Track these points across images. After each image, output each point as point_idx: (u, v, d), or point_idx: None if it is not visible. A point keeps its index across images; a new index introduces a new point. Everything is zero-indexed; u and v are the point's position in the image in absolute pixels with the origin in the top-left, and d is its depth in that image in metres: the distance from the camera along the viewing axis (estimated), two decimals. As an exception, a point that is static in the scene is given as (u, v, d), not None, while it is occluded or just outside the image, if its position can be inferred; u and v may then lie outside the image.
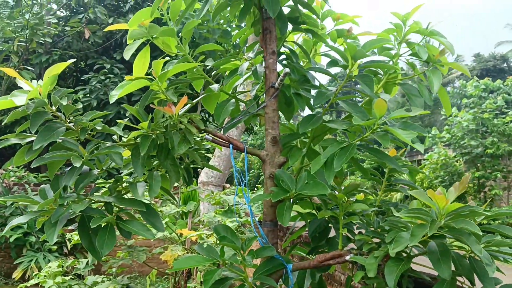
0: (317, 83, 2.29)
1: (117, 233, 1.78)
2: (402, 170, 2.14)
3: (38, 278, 3.50)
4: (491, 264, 1.44)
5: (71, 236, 3.75)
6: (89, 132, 1.85)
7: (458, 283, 1.66)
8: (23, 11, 10.83)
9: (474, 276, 1.58)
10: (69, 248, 7.18)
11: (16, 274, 7.10)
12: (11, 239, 7.39)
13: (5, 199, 1.71)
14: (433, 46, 2.20)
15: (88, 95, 10.99)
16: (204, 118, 12.57)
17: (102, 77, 11.30)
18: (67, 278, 3.57)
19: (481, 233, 1.41)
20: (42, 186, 1.77)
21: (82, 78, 11.74)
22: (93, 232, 1.68)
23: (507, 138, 13.18)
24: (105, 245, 1.62)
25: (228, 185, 8.98)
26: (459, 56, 43.77)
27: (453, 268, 1.59)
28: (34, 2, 10.98)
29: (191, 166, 2.27)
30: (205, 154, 3.84)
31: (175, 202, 2.93)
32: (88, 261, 3.70)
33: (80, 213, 1.70)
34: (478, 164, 13.52)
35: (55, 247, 7.50)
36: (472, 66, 38.51)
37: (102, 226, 1.68)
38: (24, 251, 7.52)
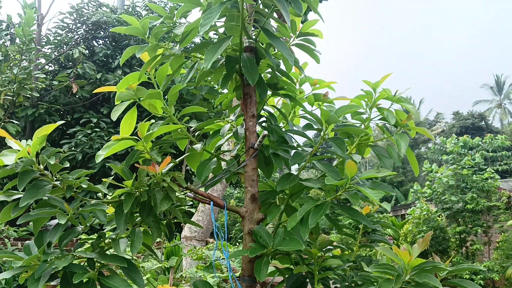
0: (295, 144, 2.43)
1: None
2: (374, 227, 2.25)
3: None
4: (453, 318, 1.53)
5: (51, 292, 3.70)
6: (75, 190, 1.93)
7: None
8: (11, 65, 11.04)
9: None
10: (45, 305, 6.97)
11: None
12: (-14, 296, 7.15)
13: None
14: (401, 111, 2.38)
15: (73, 149, 11.03)
16: (190, 171, 12.62)
17: (88, 131, 11.40)
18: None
19: (441, 287, 1.50)
20: (27, 242, 1.82)
21: (68, 132, 11.81)
22: (75, 287, 1.73)
23: (485, 194, 13.42)
24: (86, 301, 1.67)
25: (211, 240, 8.91)
26: (439, 114, 45.18)
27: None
28: (23, 57, 11.22)
29: (174, 221, 2.35)
30: (188, 209, 3.90)
31: (157, 258, 2.95)
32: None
33: (63, 269, 1.75)
34: (459, 219, 13.66)
35: (31, 304, 7.26)
36: (452, 124, 39.66)
37: (84, 281, 1.73)
38: (-1, 309, 7.27)
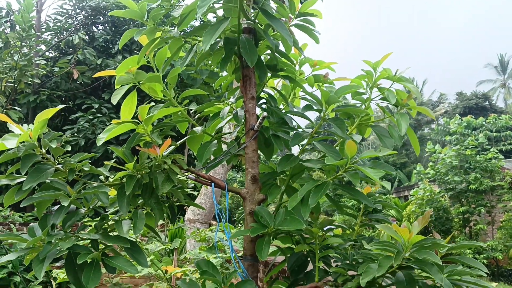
0: (295, 125, 2.44)
1: (103, 271, 1.86)
2: (375, 206, 2.26)
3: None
4: (452, 292, 1.55)
5: (57, 274, 3.76)
6: (77, 173, 1.95)
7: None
8: (12, 52, 11.02)
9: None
10: (54, 287, 7.06)
11: (-1, 317, 6.92)
12: (-5, 279, 7.25)
13: (-5, 238, 1.79)
14: (402, 91, 2.38)
15: (75, 135, 11.08)
16: (192, 156, 12.66)
17: (90, 117, 11.43)
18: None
19: (441, 263, 1.52)
20: (30, 224, 1.85)
21: (70, 118, 11.85)
22: (79, 268, 1.76)
23: (489, 174, 13.45)
24: (91, 280, 1.70)
25: (214, 222, 9.00)
26: (443, 95, 44.90)
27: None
28: (24, 44, 11.19)
29: (177, 204, 2.37)
30: (191, 192, 3.92)
31: (160, 240, 2.99)
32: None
33: (67, 250, 1.78)
34: (463, 200, 13.72)
35: (40, 287, 7.39)
36: (455, 104, 39.44)
37: (88, 262, 1.76)
38: (8, 291, 7.40)
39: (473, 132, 19.67)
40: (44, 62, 11.98)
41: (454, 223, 13.64)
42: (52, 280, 6.87)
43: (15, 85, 10.94)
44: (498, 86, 46.55)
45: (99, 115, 11.54)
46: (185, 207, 6.17)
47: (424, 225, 1.63)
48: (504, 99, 45.61)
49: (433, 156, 15.64)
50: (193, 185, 2.48)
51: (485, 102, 37.67)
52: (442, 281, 1.54)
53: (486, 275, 1.62)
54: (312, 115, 2.61)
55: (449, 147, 16.31)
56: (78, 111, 12.00)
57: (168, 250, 4.38)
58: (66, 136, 1.99)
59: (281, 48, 2.34)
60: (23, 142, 1.86)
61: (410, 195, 16.34)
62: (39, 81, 11.58)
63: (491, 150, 14.24)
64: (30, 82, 11.17)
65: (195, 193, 5.63)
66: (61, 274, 3.70)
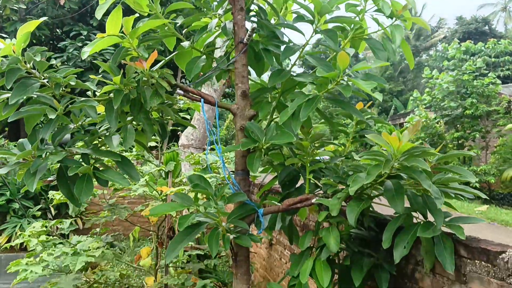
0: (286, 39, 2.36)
1: (99, 192, 1.87)
2: (367, 121, 2.25)
3: (23, 238, 3.59)
4: (439, 198, 1.58)
5: (53, 195, 3.82)
6: (63, 89, 1.91)
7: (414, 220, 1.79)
8: (-5, -23, 10.52)
9: (427, 211, 1.72)
10: (53, 213, 7.27)
11: (1, 240, 7.17)
12: (-6, 206, 7.43)
13: (-15, 154, 1.79)
14: (397, 2, 2.28)
15: (65, 63, 10.85)
16: (185, 83, 12.53)
17: (79, 44, 11.13)
18: (51, 237, 3.69)
19: (429, 170, 1.53)
20: (20, 140, 1.84)
21: (59, 46, 11.55)
22: (71, 181, 1.77)
23: (485, 99, 13.40)
24: (83, 193, 1.72)
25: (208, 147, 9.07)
26: (442, 19, 43.63)
27: (409, 205, 1.73)
28: (6, -33, 10.64)
29: (171, 128, 2.36)
30: (183, 116, 3.90)
31: (153, 161, 3.00)
32: (71, 222, 3.80)
33: (58, 164, 1.79)
34: (458, 125, 13.77)
35: (39, 213, 7.61)
36: (454, 29, 38.47)
37: (80, 175, 1.77)
38: (8, 217, 7.62)
39: (472, 58, 19.35)
40: (29, -14, 11.48)
41: (448, 148, 13.78)
42: (50, 207, 7.06)
43: (1, 11, 10.56)
44: (499, 10, 45.19)
45: (88, 42, 11.23)
46: (178, 133, 6.18)
47: (414, 133, 1.62)
48: (504, 23, 44.45)
49: (430, 82, 15.50)
50: (181, 103, 2.44)
51: (485, 27, 36.75)
52: (430, 187, 1.56)
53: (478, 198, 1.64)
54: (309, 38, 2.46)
55: (446, 72, 16.11)
56: (66, 38, 11.67)
57: (163, 173, 4.44)
58: (56, 65, 1.93)
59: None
60: (6, 56, 1.80)
61: (406, 122, 16.39)
62: (25, 7, 11.16)
63: (489, 75, 14.08)
64: (15, 8, 10.77)
65: (188, 116, 5.61)
66: (57, 195, 3.76)
